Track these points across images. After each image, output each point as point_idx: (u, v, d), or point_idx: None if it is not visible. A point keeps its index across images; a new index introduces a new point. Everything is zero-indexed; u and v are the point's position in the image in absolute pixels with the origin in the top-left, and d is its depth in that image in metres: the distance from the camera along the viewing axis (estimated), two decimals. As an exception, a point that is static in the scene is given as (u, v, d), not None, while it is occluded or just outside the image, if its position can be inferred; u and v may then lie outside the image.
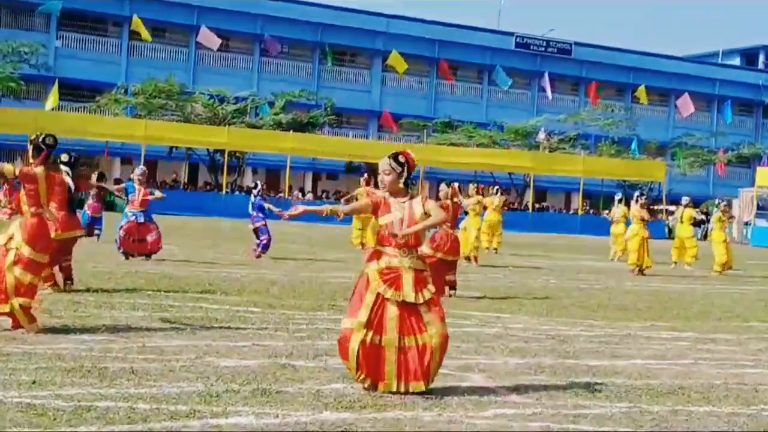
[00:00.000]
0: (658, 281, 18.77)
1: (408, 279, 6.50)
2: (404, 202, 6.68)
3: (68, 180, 11.57)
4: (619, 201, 26.59)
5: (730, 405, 6.75)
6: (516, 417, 5.98)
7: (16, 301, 8.18)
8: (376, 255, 6.64)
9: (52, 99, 47.91)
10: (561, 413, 6.14)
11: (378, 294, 6.46)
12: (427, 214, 6.67)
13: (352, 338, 6.40)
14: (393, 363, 6.39)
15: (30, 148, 8.92)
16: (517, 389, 6.83)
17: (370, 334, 6.40)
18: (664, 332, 10.69)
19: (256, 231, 18.56)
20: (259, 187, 19.14)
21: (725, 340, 10.38)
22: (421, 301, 6.49)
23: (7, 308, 8.21)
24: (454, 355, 7.72)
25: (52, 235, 10.17)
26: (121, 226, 16.24)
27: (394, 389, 6.41)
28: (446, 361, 6.62)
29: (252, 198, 18.93)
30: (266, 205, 18.67)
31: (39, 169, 8.75)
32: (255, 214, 18.59)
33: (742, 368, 8.45)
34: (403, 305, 6.46)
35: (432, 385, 6.58)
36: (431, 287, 6.61)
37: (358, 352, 6.37)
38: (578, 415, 6.13)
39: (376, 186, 23.27)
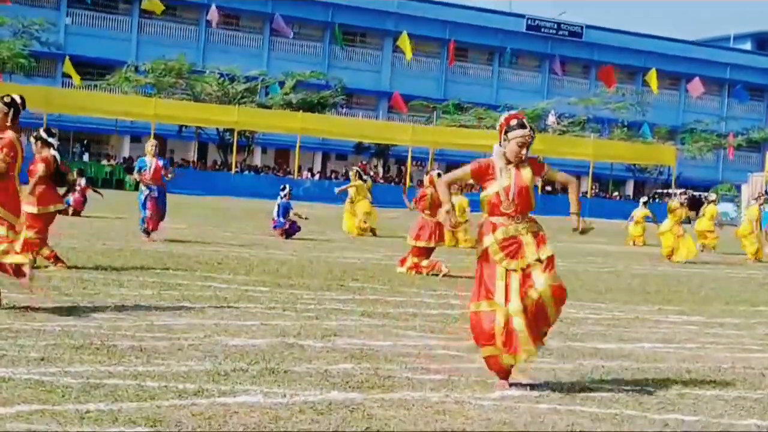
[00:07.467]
0: (667, 265, 18.74)
1: (529, 243, 6.22)
2: (510, 168, 6.40)
3: (56, 154, 11.43)
4: (644, 203, 26.46)
5: (737, 389, 6.75)
6: (523, 399, 5.99)
7: None
8: (491, 227, 6.31)
9: (74, 76, 48.29)
10: (568, 395, 6.15)
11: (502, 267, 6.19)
12: (543, 177, 6.65)
13: (496, 319, 6.11)
14: (525, 328, 6.09)
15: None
16: (524, 371, 6.83)
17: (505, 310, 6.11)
18: (672, 316, 10.69)
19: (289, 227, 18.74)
20: (287, 190, 19.20)
21: (733, 324, 10.37)
22: (542, 258, 6.20)
23: None
24: (462, 336, 7.72)
25: (34, 210, 10.51)
26: (145, 205, 15.71)
27: (534, 354, 6.23)
28: (454, 342, 6.60)
29: (278, 200, 18.93)
30: (292, 212, 18.74)
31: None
32: (276, 218, 18.69)
33: (749, 352, 8.45)
34: (521, 270, 6.18)
35: (439, 367, 6.58)
36: (549, 246, 6.32)
37: (503, 332, 6.09)
38: (585, 397, 6.14)
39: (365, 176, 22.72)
